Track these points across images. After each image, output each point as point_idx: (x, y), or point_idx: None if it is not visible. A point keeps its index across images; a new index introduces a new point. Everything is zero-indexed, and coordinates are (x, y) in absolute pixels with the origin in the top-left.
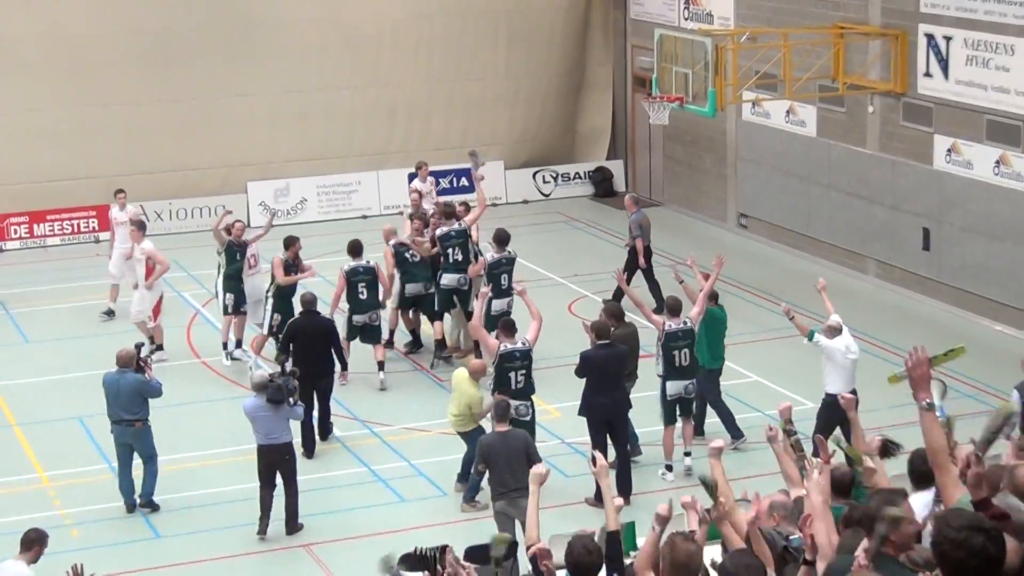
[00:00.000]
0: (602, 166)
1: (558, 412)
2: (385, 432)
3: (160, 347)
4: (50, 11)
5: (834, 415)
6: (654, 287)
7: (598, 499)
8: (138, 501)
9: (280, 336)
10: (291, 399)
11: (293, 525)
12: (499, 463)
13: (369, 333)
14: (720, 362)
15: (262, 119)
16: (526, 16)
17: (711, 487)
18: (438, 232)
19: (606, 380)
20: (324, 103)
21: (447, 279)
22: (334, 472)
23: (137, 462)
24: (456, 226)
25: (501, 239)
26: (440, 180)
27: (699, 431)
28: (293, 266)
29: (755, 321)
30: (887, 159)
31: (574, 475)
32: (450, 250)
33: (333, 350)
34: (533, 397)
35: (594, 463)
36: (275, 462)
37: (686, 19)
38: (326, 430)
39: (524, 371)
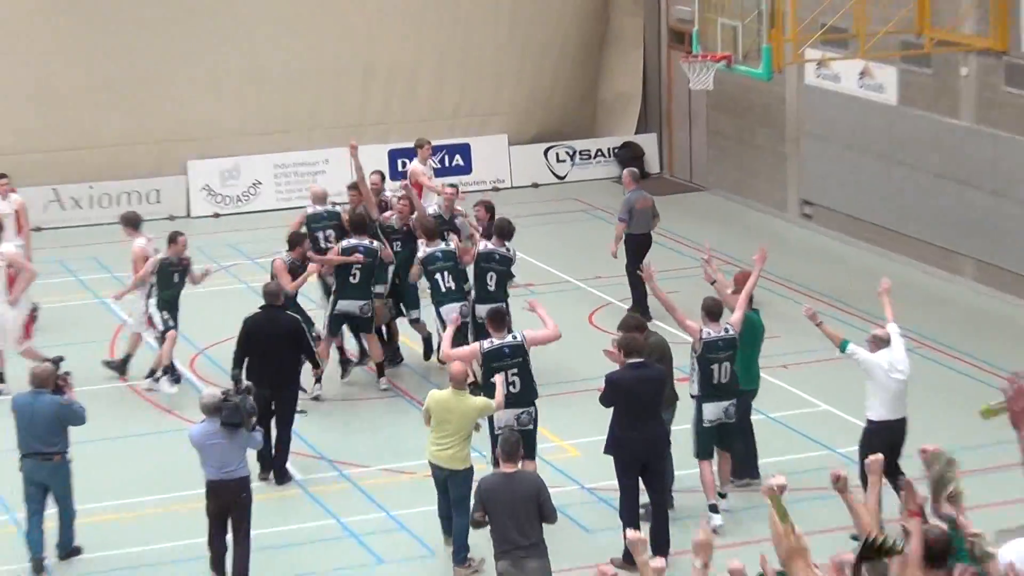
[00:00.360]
0: (630, 141)
1: (577, 451)
2: (359, 475)
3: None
4: None
5: (875, 445)
6: (637, 288)
7: (628, 560)
8: (56, 554)
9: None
10: (250, 422)
11: (243, 569)
12: (502, 513)
13: (361, 325)
14: (756, 383)
15: (205, 83)
16: None
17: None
18: (421, 254)
19: (639, 409)
20: (283, 63)
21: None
22: (295, 525)
23: (50, 511)
24: (444, 246)
25: (503, 230)
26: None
27: (750, 471)
28: (302, 268)
29: (822, 337)
30: (986, 132)
31: (597, 529)
32: (439, 276)
33: (302, 353)
34: (537, 403)
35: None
36: (228, 503)
37: None
38: (281, 471)
39: (517, 371)
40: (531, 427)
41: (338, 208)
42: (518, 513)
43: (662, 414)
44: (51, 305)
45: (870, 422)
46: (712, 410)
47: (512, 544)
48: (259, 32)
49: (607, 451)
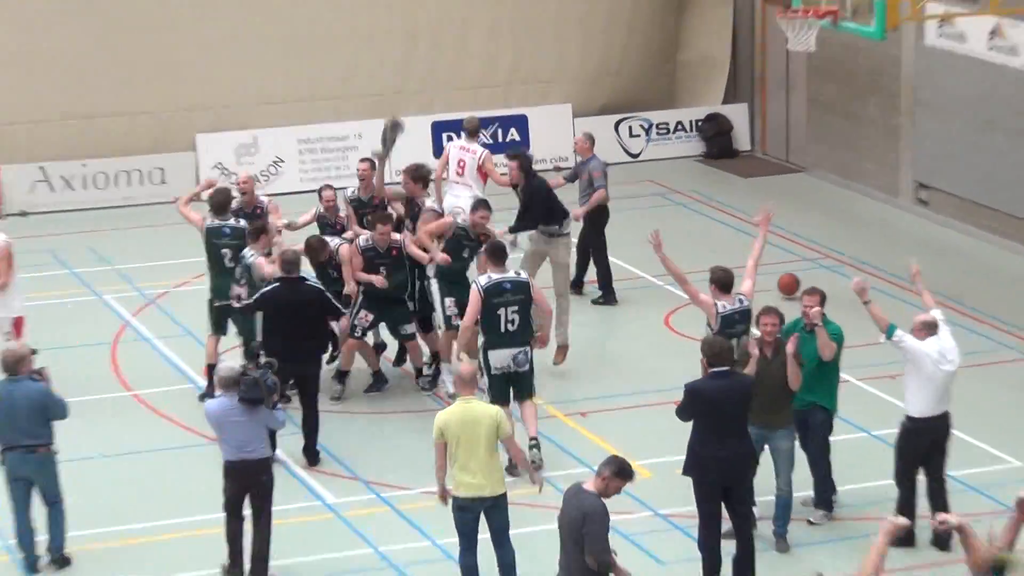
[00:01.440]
0: (716, 113)
1: (649, 472)
2: (399, 498)
3: None
4: None
5: (916, 444)
6: (602, 262)
7: None
8: (48, 557)
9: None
10: (271, 399)
11: (261, 570)
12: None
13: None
14: (833, 401)
15: (219, 45)
16: None
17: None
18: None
19: (724, 424)
20: (311, 24)
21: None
22: (329, 554)
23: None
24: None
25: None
26: (481, 130)
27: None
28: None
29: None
30: None
31: (671, 561)
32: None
33: (329, 315)
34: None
35: None
36: (248, 484)
37: None
38: (312, 452)
39: (517, 308)
40: (527, 368)
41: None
42: (576, 538)
43: (748, 430)
44: (40, 302)
45: (911, 419)
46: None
47: (576, 569)
48: None
49: (686, 472)
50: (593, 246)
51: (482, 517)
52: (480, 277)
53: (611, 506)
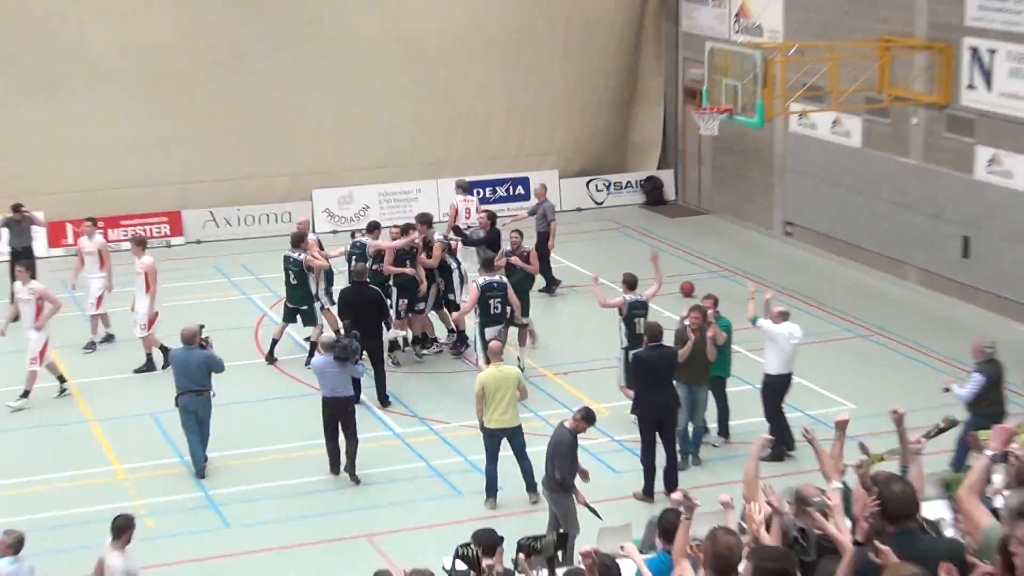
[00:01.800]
0: (653, 176)
1: (607, 411)
2: (443, 429)
3: (26, 393)
4: (128, 25)
5: (774, 392)
6: (547, 269)
7: (647, 494)
8: (196, 470)
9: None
10: (354, 358)
11: (353, 470)
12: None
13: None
14: (728, 370)
15: (327, 129)
16: (580, 30)
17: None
18: (480, 281)
19: (657, 380)
20: (386, 113)
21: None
22: (395, 467)
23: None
24: (498, 278)
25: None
26: (497, 188)
27: (725, 433)
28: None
29: (800, 326)
30: (930, 170)
31: (623, 471)
32: (491, 301)
33: (383, 317)
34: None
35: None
36: (337, 413)
37: (736, 32)
38: (383, 396)
39: (500, 299)
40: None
41: None
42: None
43: (673, 385)
44: (209, 300)
45: (771, 376)
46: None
47: (549, 478)
48: (368, 89)
49: (633, 411)
50: (541, 259)
51: (504, 442)
52: (479, 279)
53: (582, 435)
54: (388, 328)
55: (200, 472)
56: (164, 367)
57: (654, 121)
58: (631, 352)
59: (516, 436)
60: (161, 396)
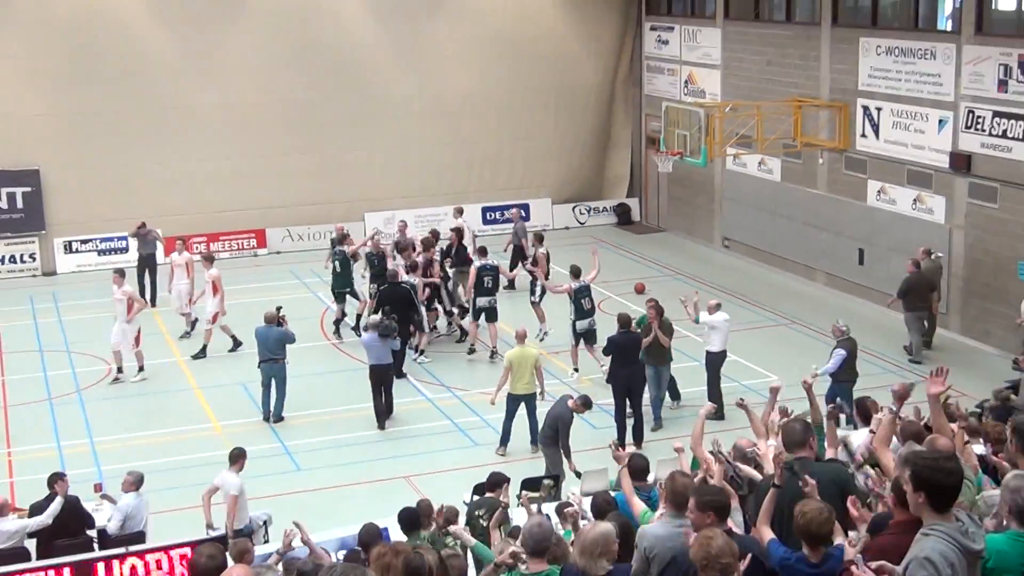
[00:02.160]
0: (623, 202)
1: (589, 382)
2: (463, 395)
3: (142, 368)
4: (224, 86)
5: (716, 366)
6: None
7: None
8: (272, 418)
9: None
10: (393, 334)
11: (390, 413)
12: (547, 426)
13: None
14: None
15: (377, 166)
16: (568, 92)
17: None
18: (477, 263)
19: (626, 357)
20: (422, 154)
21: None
22: (427, 424)
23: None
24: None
25: (483, 251)
26: (505, 212)
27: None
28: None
29: (735, 317)
30: (833, 198)
31: (601, 427)
32: (484, 278)
33: (413, 312)
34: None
35: (617, 448)
36: (381, 377)
37: (686, 94)
38: (400, 371)
39: (491, 277)
40: (495, 304)
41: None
42: (551, 423)
43: (640, 360)
44: (285, 297)
45: (713, 353)
46: (581, 324)
47: (544, 436)
48: (407, 136)
49: (607, 380)
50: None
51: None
52: (477, 262)
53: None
54: (420, 327)
55: (267, 417)
56: (234, 349)
57: (624, 161)
58: (608, 339)
59: (531, 400)
60: (247, 371)
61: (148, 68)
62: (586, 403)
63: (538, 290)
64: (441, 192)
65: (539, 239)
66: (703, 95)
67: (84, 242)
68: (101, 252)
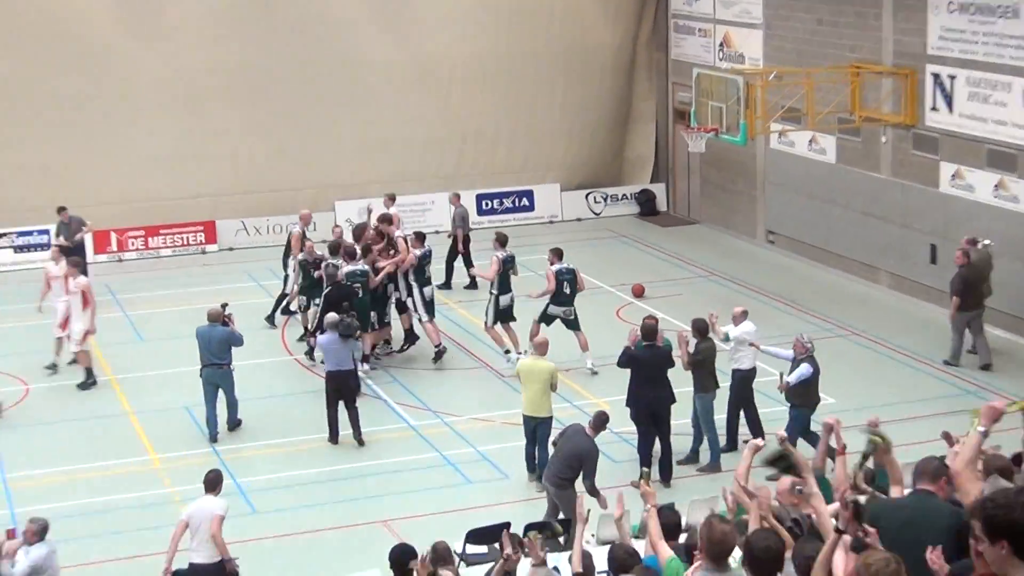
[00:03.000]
0: (646, 188)
1: (607, 404)
2: (454, 422)
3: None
4: (168, 51)
5: (748, 385)
6: (469, 266)
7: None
8: (226, 428)
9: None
10: (355, 335)
11: (359, 434)
12: (559, 456)
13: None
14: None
15: (349, 145)
16: (580, 57)
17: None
18: (501, 255)
19: (651, 377)
20: (402, 131)
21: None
22: (410, 456)
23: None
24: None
25: (501, 240)
26: (504, 200)
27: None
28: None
29: (782, 326)
30: (898, 183)
31: (621, 460)
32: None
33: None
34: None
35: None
36: (340, 385)
37: (720, 59)
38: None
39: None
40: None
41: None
42: (569, 461)
43: (668, 381)
44: (239, 302)
45: (743, 371)
46: (555, 309)
47: (560, 477)
48: (386, 111)
49: (627, 404)
50: (452, 257)
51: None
52: (497, 252)
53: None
54: (375, 327)
55: (214, 436)
56: (85, 385)
57: (647, 139)
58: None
59: (541, 426)
60: (194, 391)
61: (74, 31)
62: (602, 421)
63: (491, 310)
64: (427, 177)
65: (501, 242)
66: (742, 60)
67: None
68: (19, 249)
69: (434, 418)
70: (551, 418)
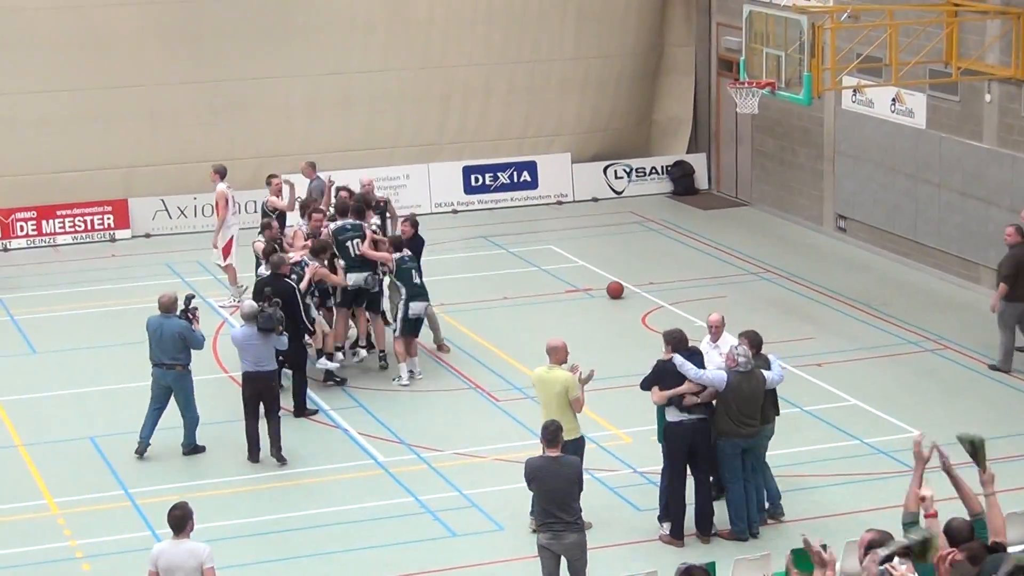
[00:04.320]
0: (682, 160)
1: (629, 437)
2: (434, 458)
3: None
4: None
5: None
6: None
7: (674, 535)
8: (181, 451)
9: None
10: (279, 328)
11: (278, 451)
12: (547, 492)
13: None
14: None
15: (299, 105)
16: None
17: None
18: (333, 226)
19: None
20: (368, 87)
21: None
22: (378, 502)
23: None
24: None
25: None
26: (499, 175)
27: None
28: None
29: (853, 337)
30: (1007, 155)
31: (647, 508)
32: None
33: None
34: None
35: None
36: (261, 390)
37: None
38: (302, 404)
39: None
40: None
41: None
42: (562, 493)
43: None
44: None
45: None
46: (416, 308)
47: (555, 519)
48: (347, 60)
49: (660, 438)
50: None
51: None
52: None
53: (601, 464)
54: (310, 333)
55: (142, 450)
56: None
57: (683, 97)
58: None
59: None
60: (102, 418)
61: None
62: (552, 433)
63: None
64: (400, 145)
65: (412, 224)
66: None
67: None
68: None
69: (408, 453)
70: (579, 440)
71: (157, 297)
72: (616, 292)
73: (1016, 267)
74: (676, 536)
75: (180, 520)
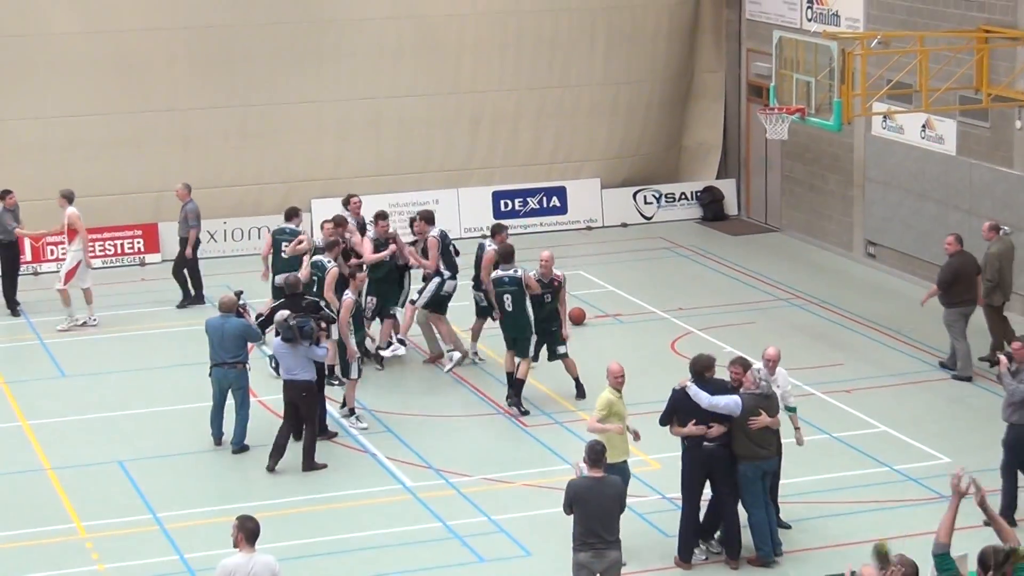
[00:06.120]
0: (711, 186)
1: (657, 463)
2: (462, 483)
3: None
4: (96, 3)
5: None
6: (196, 277)
7: (683, 558)
8: (233, 446)
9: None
10: (308, 340)
11: (309, 462)
12: (591, 512)
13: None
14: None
15: (329, 129)
16: (627, 14)
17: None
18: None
19: (706, 422)
20: (398, 112)
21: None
22: (405, 527)
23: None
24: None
25: (506, 256)
26: (529, 200)
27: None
28: (384, 243)
29: (882, 363)
30: None
31: (674, 535)
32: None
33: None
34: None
35: None
36: (293, 398)
37: (809, 20)
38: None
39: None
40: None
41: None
42: (605, 513)
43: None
44: (189, 327)
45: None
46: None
47: (598, 539)
48: (377, 85)
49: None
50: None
51: None
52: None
53: (629, 490)
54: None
55: (217, 439)
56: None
57: (713, 123)
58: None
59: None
60: (131, 442)
61: None
62: (597, 454)
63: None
64: (428, 169)
65: (427, 220)
66: (836, 21)
67: None
68: None
69: (436, 478)
70: (622, 464)
71: (218, 300)
72: (578, 318)
73: (954, 275)
74: (684, 559)
75: (256, 531)
